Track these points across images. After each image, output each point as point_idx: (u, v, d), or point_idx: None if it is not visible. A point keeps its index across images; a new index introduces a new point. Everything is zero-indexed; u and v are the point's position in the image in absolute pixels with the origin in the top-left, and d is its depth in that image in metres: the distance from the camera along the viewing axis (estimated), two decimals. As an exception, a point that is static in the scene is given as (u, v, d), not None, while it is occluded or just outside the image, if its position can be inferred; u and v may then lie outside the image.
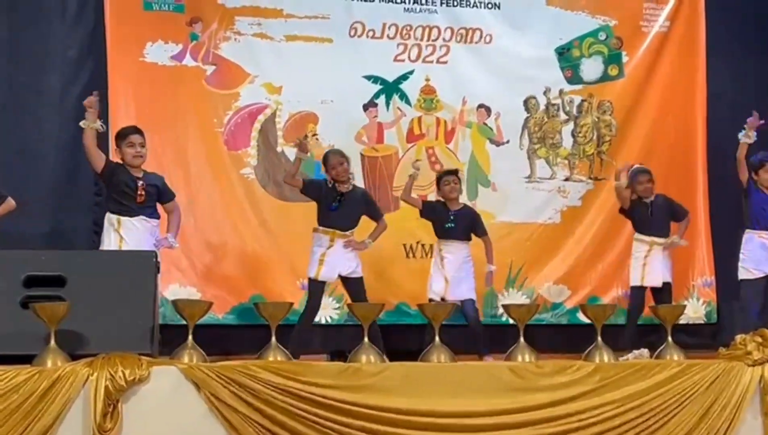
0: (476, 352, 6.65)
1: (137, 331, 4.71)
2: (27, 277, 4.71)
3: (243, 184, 7.84)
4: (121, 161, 6.26)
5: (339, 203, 6.67)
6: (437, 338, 5.10)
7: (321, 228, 6.68)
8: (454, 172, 7.21)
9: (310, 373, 4.61)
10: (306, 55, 8.01)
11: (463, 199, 7.64)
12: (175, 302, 5.06)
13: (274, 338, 4.91)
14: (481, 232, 7.11)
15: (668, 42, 8.71)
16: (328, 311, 7.60)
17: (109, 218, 6.19)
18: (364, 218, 6.85)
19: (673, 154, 8.61)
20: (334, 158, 6.75)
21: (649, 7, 8.72)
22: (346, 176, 6.75)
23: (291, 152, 7.87)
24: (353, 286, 6.69)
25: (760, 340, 5.13)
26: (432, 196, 7.87)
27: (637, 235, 7.27)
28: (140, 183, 6.19)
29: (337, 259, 6.62)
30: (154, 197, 6.29)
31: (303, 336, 6.58)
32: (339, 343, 7.08)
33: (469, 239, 7.07)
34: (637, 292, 7.21)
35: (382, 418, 4.59)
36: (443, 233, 7.03)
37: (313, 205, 6.75)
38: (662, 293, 7.12)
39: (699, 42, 8.74)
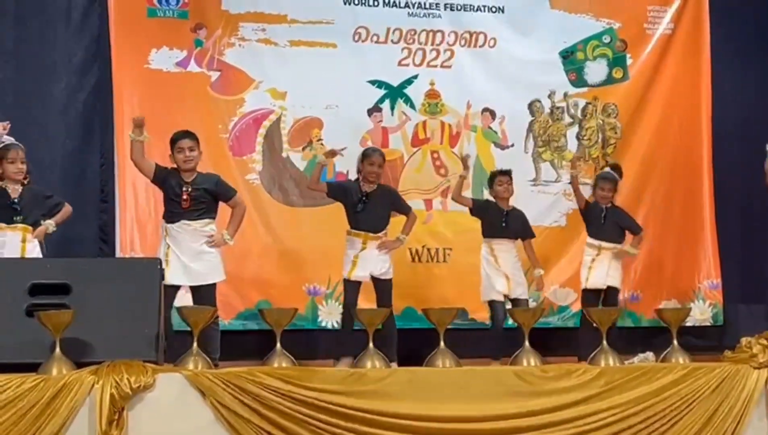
0: (490, 356, 6.64)
1: (142, 338, 4.71)
2: (32, 285, 4.71)
3: (248, 189, 7.81)
4: (175, 166, 6.25)
5: (364, 204, 6.67)
6: (442, 343, 5.09)
7: (353, 231, 6.69)
8: (507, 173, 7.23)
9: (315, 378, 4.61)
10: (310, 60, 8.00)
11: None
12: (179, 309, 5.06)
13: (279, 344, 4.91)
14: (530, 234, 7.21)
15: (673, 44, 8.70)
16: (335, 316, 7.58)
17: (163, 226, 6.26)
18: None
19: (678, 156, 8.61)
20: (377, 157, 6.77)
21: (654, 9, 8.71)
22: (376, 177, 6.76)
23: (296, 158, 7.92)
24: (382, 286, 6.70)
25: (765, 342, 5.10)
26: (436, 201, 7.91)
27: (588, 239, 7.29)
28: (185, 188, 6.16)
29: (369, 259, 6.63)
30: (205, 200, 6.25)
31: (343, 338, 6.64)
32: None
33: (517, 239, 7.13)
34: (586, 295, 7.23)
35: (387, 424, 4.59)
36: (496, 232, 7.06)
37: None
38: (607, 297, 7.14)
39: (703, 44, 8.73)
